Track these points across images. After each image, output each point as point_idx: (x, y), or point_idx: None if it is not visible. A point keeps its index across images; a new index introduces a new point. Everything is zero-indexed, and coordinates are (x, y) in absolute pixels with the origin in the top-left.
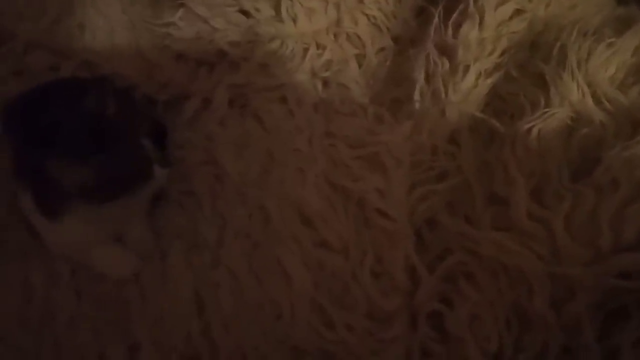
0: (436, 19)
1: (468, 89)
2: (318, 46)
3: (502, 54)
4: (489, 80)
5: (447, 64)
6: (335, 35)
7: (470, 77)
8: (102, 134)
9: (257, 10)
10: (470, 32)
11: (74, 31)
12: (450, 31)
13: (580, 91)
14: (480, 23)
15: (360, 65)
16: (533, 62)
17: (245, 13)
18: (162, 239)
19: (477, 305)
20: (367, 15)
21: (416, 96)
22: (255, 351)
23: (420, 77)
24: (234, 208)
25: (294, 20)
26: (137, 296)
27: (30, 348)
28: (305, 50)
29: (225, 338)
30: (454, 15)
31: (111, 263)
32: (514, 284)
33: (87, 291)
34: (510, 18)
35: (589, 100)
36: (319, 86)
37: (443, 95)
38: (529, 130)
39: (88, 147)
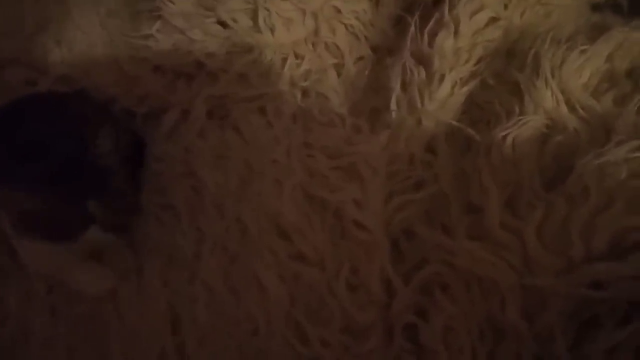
0: (412, 28)
1: (444, 97)
2: (297, 56)
3: (478, 62)
4: (465, 89)
5: (423, 73)
6: (313, 45)
7: (446, 86)
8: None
9: (235, 21)
10: (445, 40)
11: (51, 46)
12: (426, 40)
13: (554, 98)
14: (456, 32)
15: (339, 75)
16: (509, 70)
17: (222, 24)
18: (139, 254)
19: (451, 316)
20: (345, 24)
21: (392, 105)
22: None
23: (396, 86)
24: (212, 221)
25: (272, 31)
26: (113, 313)
27: None
28: (284, 60)
29: (199, 354)
30: (430, 24)
31: (87, 280)
32: (487, 294)
33: (63, 310)
34: (486, 26)
35: (563, 108)
36: (298, 96)
37: (419, 104)
38: (504, 138)
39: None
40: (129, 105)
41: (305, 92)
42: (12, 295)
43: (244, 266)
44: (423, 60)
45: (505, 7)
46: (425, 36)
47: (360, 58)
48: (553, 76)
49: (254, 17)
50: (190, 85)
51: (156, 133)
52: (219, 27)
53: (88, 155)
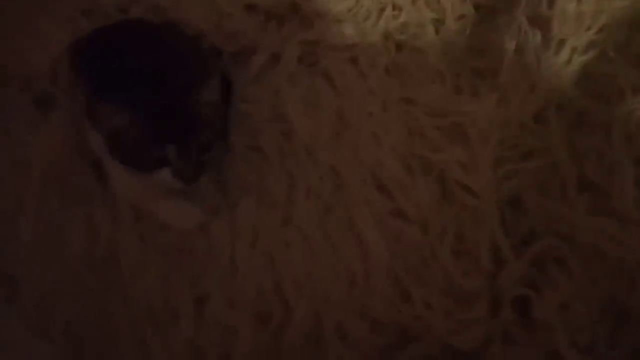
0: None
1: (561, 65)
2: (394, 7)
3: (599, 31)
4: (583, 58)
5: (539, 37)
6: None
7: (565, 53)
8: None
9: None
10: (568, 4)
11: None
12: (545, 1)
13: None
14: None
15: (437, 32)
16: (634, 42)
17: None
18: (229, 194)
19: (568, 293)
20: None
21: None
22: (329, 317)
23: (510, 48)
24: (303, 168)
25: None
26: (204, 248)
27: (96, 287)
28: (381, 10)
29: (298, 299)
30: None
31: (175, 215)
32: (612, 274)
33: (151, 238)
34: None
35: None
36: (392, 49)
37: (535, 69)
38: (629, 115)
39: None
40: (217, 42)
41: (398, 46)
42: (100, 217)
43: (340, 216)
44: (540, 23)
45: None
46: None
47: (462, 16)
48: None
49: None
50: (281, 28)
51: (243, 74)
52: None
53: (191, 98)
